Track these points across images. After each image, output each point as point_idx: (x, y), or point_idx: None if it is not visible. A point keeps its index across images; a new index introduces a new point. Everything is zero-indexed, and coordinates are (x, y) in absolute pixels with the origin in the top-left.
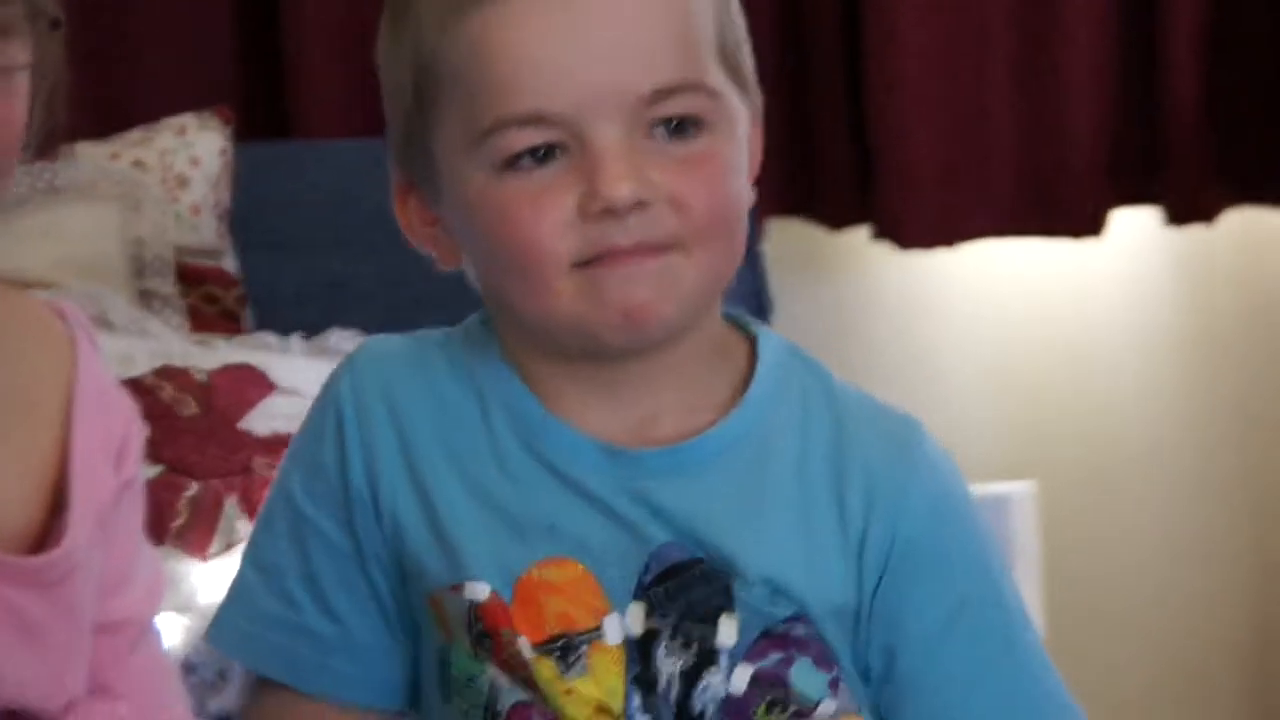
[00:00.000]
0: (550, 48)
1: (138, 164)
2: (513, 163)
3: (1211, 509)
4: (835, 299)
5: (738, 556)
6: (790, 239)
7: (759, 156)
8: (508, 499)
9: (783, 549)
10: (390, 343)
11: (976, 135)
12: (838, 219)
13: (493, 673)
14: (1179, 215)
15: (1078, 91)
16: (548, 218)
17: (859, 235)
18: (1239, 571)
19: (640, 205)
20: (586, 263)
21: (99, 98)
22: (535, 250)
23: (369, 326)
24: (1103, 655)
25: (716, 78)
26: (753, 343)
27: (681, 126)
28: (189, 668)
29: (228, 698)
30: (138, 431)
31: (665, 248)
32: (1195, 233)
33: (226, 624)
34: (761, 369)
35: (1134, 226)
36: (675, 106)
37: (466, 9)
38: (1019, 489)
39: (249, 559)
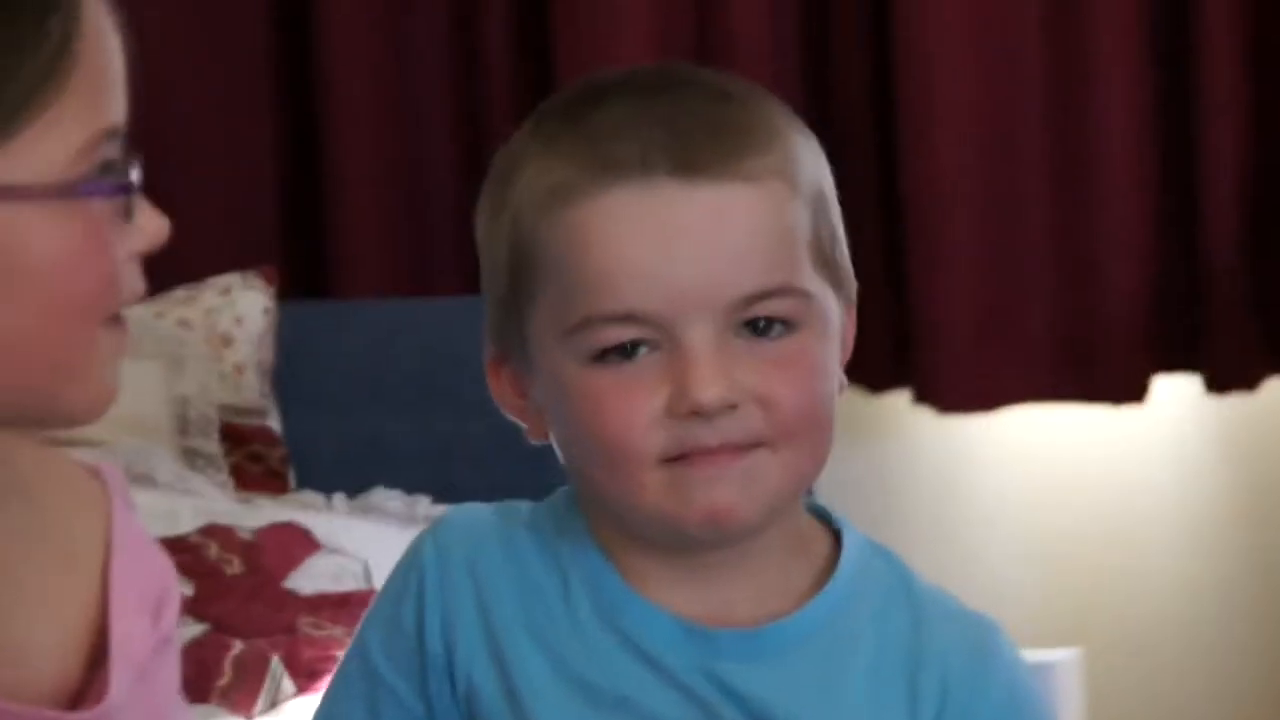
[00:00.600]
0: (646, 248)
1: (182, 323)
2: (603, 356)
3: (1253, 681)
4: (876, 463)
5: None
6: None
7: (851, 344)
8: (584, 670)
9: None
10: (477, 513)
11: (1015, 301)
12: (877, 383)
13: None
14: (1220, 383)
15: (1117, 258)
16: (637, 414)
17: (899, 399)
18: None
19: (728, 406)
20: (673, 459)
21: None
22: (624, 445)
23: (410, 486)
24: None
25: (810, 279)
26: (835, 536)
27: (771, 326)
28: None
29: None
30: (174, 587)
31: (751, 447)
32: (1237, 402)
33: None
34: (844, 562)
35: (1175, 394)
36: (766, 309)
37: (567, 201)
38: (1064, 656)
39: (320, 716)
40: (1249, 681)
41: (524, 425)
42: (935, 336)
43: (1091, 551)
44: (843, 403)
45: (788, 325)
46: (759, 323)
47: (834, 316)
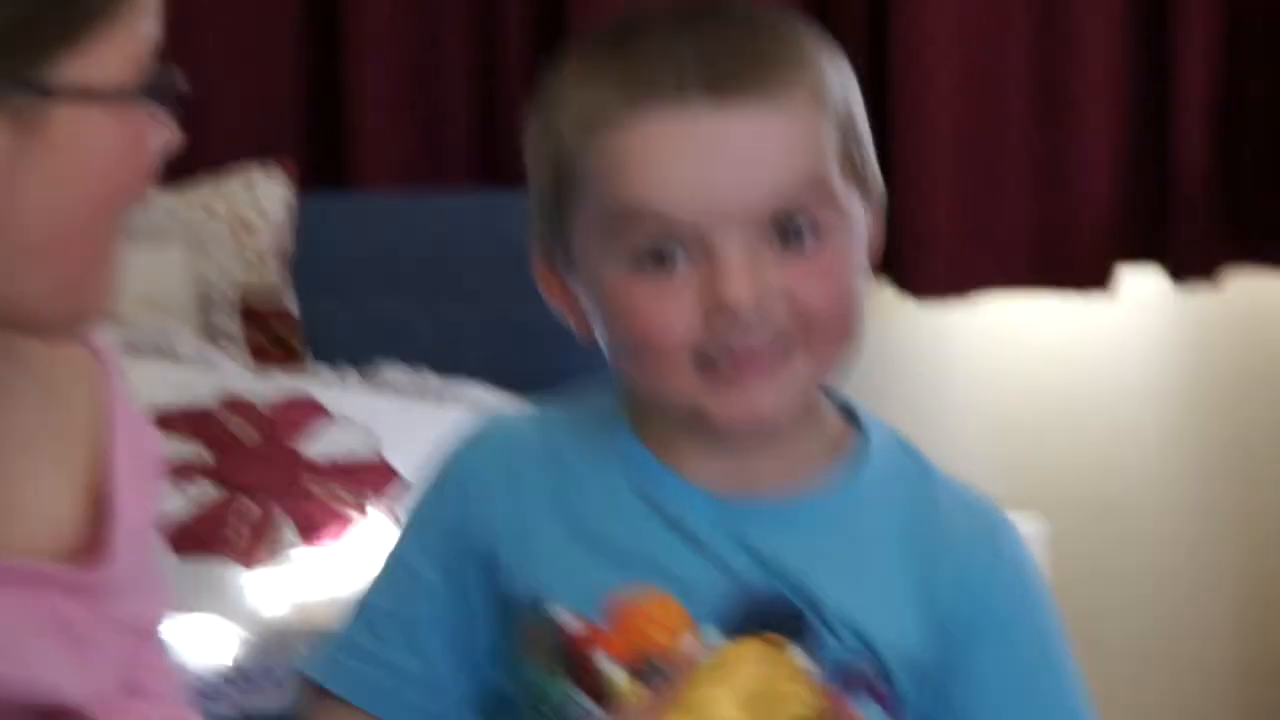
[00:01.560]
0: (682, 164)
1: (207, 210)
2: (640, 261)
3: (1210, 550)
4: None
5: (827, 602)
6: None
7: (879, 243)
8: (612, 535)
9: (871, 605)
10: (513, 422)
11: (992, 197)
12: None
13: (579, 699)
14: (1183, 273)
15: (1089, 153)
16: (672, 316)
17: (884, 290)
18: (1236, 604)
19: (759, 308)
20: (708, 361)
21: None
22: (659, 345)
23: (417, 365)
24: (1103, 685)
25: (839, 190)
26: (857, 424)
27: (802, 236)
28: (241, 670)
29: (276, 699)
30: (160, 451)
31: (786, 353)
32: (1203, 296)
33: (319, 654)
34: (871, 446)
35: (1143, 286)
36: (797, 219)
37: (608, 122)
38: (1031, 528)
39: (354, 611)
40: (1208, 556)
41: (571, 323)
42: (917, 230)
43: (1055, 429)
44: None
45: (817, 234)
46: (790, 233)
47: (861, 222)
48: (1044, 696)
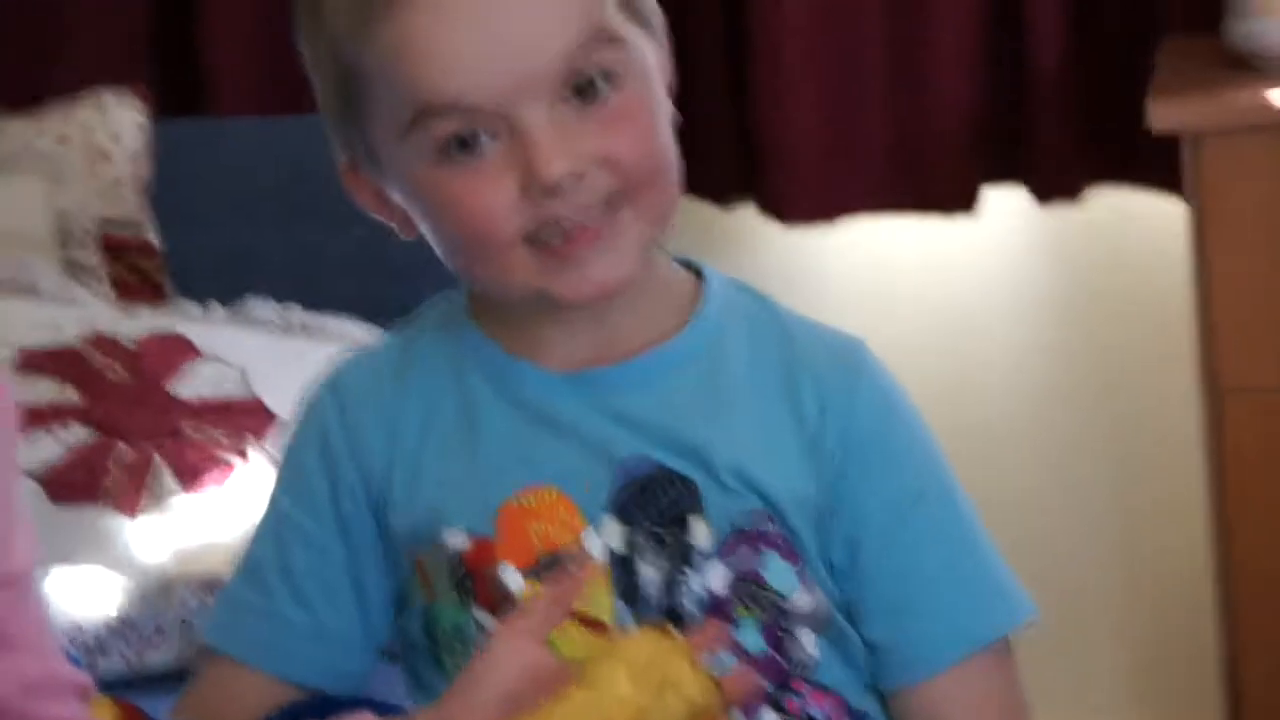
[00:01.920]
0: (460, 42)
1: (61, 138)
2: (446, 151)
3: (1075, 465)
4: (725, 272)
5: (706, 449)
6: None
7: (672, 82)
8: (483, 447)
9: (746, 443)
10: (365, 357)
11: (854, 120)
12: (723, 196)
13: (479, 616)
14: (1045, 193)
15: (948, 76)
16: (493, 201)
17: (746, 213)
18: (1103, 520)
19: (575, 175)
20: (537, 239)
21: (13, 69)
22: (486, 233)
23: (280, 296)
24: None
25: (621, 29)
26: (698, 278)
27: (596, 87)
28: (128, 623)
29: (165, 652)
30: (11, 398)
31: (614, 215)
32: (1061, 211)
33: (211, 620)
34: (709, 294)
35: (1004, 205)
36: (588, 65)
37: (377, 14)
38: None
39: (238, 567)
40: (1073, 472)
41: (393, 225)
42: (779, 152)
43: (926, 355)
44: (694, 215)
45: (611, 81)
46: (586, 88)
47: (651, 59)
48: (924, 518)
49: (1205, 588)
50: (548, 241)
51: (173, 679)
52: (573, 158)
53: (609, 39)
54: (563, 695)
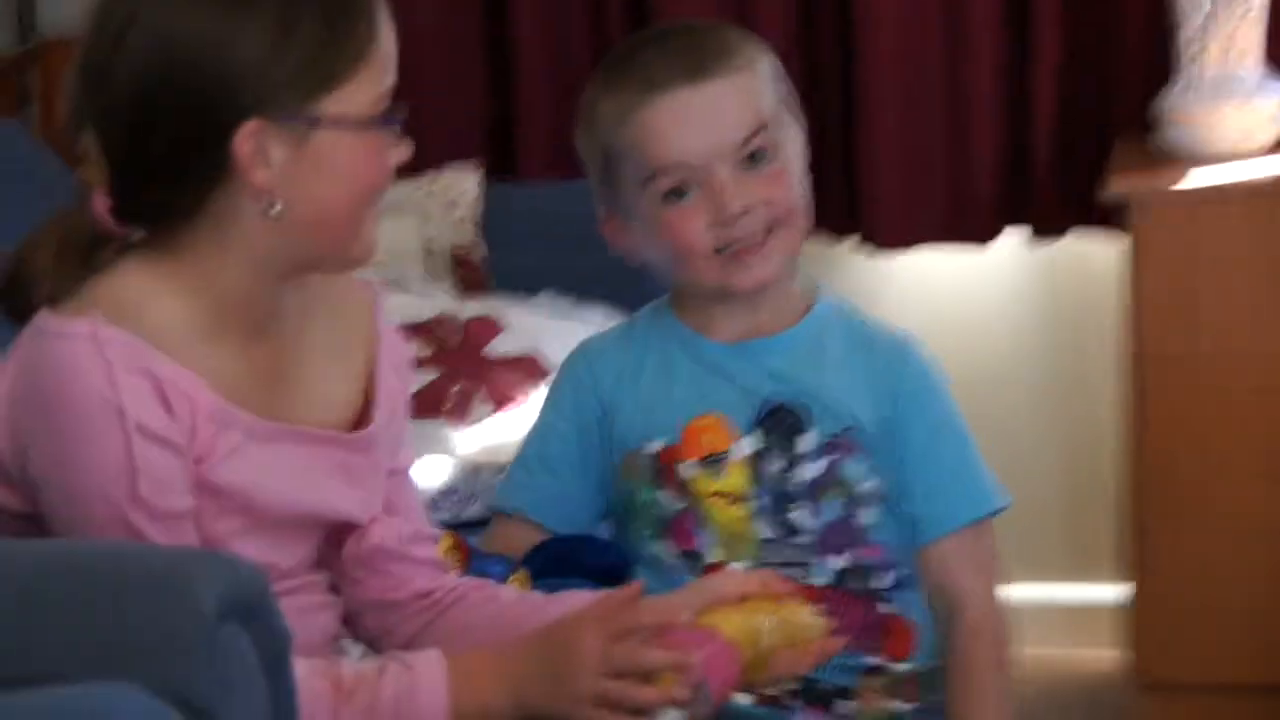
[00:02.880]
0: (678, 130)
1: (428, 193)
2: (667, 197)
3: (1042, 433)
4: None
5: (816, 391)
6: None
7: (803, 146)
8: (675, 388)
9: (839, 388)
10: (606, 337)
11: (921, 177)
12: (838, 231)
13: (663, 495)
14: (1041, 231)
15: (983, 147)
16: (695, 227)
17: (844, 245)
18: (1056, 440)
19: (748, 211)
20: (721, 251)
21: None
22: (690, 246)
23: (578, 294)
24: None
25: (778, 122)
26: (813, 289)
27: (761, 156)
28: (454, 490)
29: (475, 508)
30: (409, 359)
31: (767, 234)
32: (1052, 247)
33: (499, 490)
34: (820, 299)
35: (1010, 240)
36: (756, 144)
37: (630, 112)
38: None
39: (515, 458)
40: (1040, 438)
41: (625, 253)
42: (875, 196)
43: (950, 350)
44: (814, 246)
45: (769, 153)
46: (755, 156)
47: (798, 143)
48: (944, 442)
49: (1117, 486)
50: (728, 252)
51: (479, 524)
52: (744, 200)
53: (768, 127)
54: (739, 605)
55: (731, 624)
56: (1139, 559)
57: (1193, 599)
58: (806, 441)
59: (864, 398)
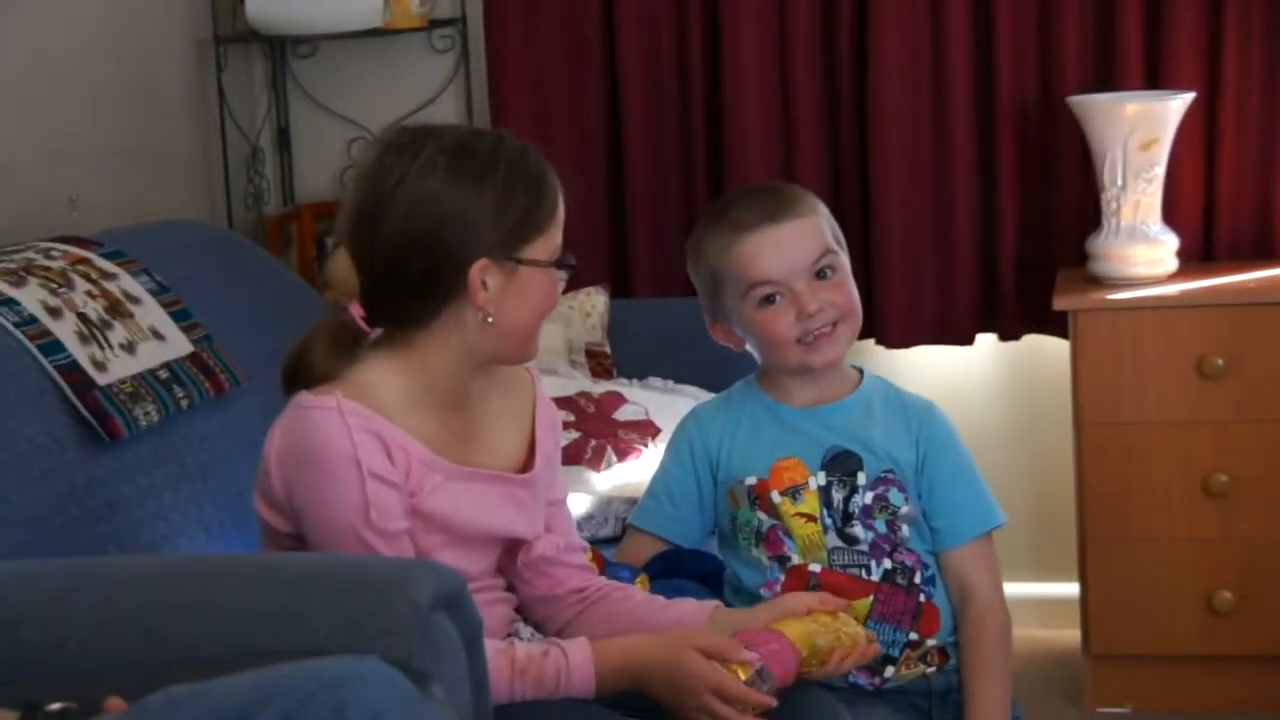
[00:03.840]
0: (770, 253)
1: (571, 307)
2: (762, 305)
3: (1013, 477)
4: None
5: (867, 442)
6: None
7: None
8: (762, 440)
9: (883, 440)
10: (709, 406)
11: (918, 293)
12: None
13: (758, 515)
14: (1004, 336)
15: (962, 275)
16: (783, 324)
17: (868, 342)
18: (1025, 508)
19: (821, 310)
20: (801, 341)
21: None
22: (781, 338)
23: (677, 377)
24: None
25: (835, 249)
26: (859, 370)
27: (827, 272)
28: (590, 516)
29: (607, 530)
30: (559, 422)
31: (834, 326)
32: (1011, 345)
33: (633, 514)
34: (867, 375)
35: (984, 341)
36: (823, 264)
37: (732, 244)
38: None
39: (646, 492)
40: (1022, 497)
41: (731, 346)
42: (887, 307)
43: (949, 409)
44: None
45: (832, 270)
46: (822, 272)
47: (848, 263)
48: (960, 477)
49: (1071, 501)
50: (806, 341)
51: (611, 541)
52: (818, 303)
53: (830, 251)
54: (802, 618)
55: (793, 630)
56: (1086, 564)
57: (1125, 592)
58: (861, 478)
59: (902, 446)
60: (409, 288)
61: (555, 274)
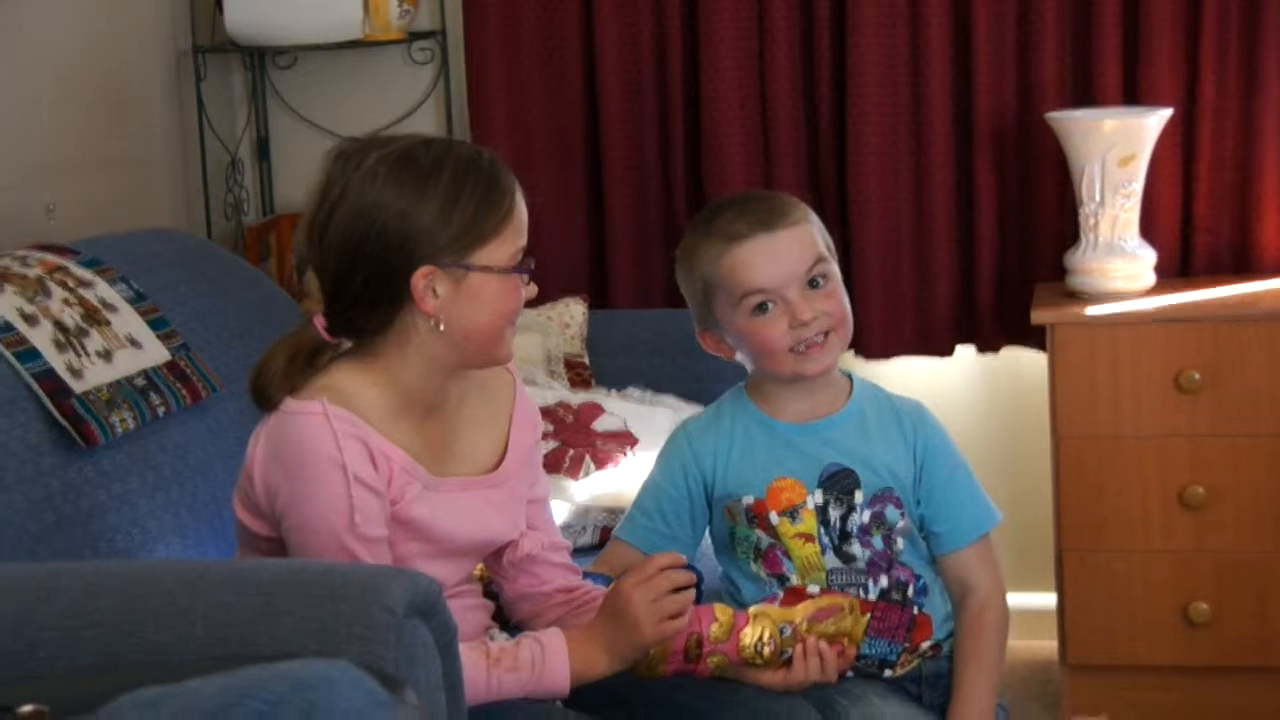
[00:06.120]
0: (763, 261)
1: (549, 318)
2: (754, 313)
3: (992, 488)
4: None
5: (863, 457)
6: None
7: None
8: (757, 457)
9: (880, 453)
10: (700, 421)
11: (899, 305)
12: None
13: (757, 533)
14: (982, 348)
15: (942, 287)
16: (775, 333)
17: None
18: (1008, 486)
19: (814, 319)
20: (794, 349)
21: None
22: (773, 347)
23: (655, 387)
24: None
25: (826, 257)
26: (850, 378)
27: (820, 280)
28: (569, 524)
29: (585, 538)
30: (540, 424)
31: (826, 335)
32: (990, 357)
33: (619, 525)
34: (858, 383)
35: (963, 353)
36: (816, 273)
37: (725, 253)
38: None
39: (633, 504)
40: (1001, 507)
41: (721, 355)
42: (867, 319)
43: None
44: None
45: (824, 279)
46: (814, 281)
47: (839, 272)
48: (957, 480)
49: (1049, 508)
50: (799, 350)
51: (591, 549)
52: (810, 311)
53: (823, 260)
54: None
55: (795, 611)
56: (1064, 575)
57: (1102, 603)
58: (858, 496)
59: (900, 460)
60: (358, 297)
61: (515, 278)
